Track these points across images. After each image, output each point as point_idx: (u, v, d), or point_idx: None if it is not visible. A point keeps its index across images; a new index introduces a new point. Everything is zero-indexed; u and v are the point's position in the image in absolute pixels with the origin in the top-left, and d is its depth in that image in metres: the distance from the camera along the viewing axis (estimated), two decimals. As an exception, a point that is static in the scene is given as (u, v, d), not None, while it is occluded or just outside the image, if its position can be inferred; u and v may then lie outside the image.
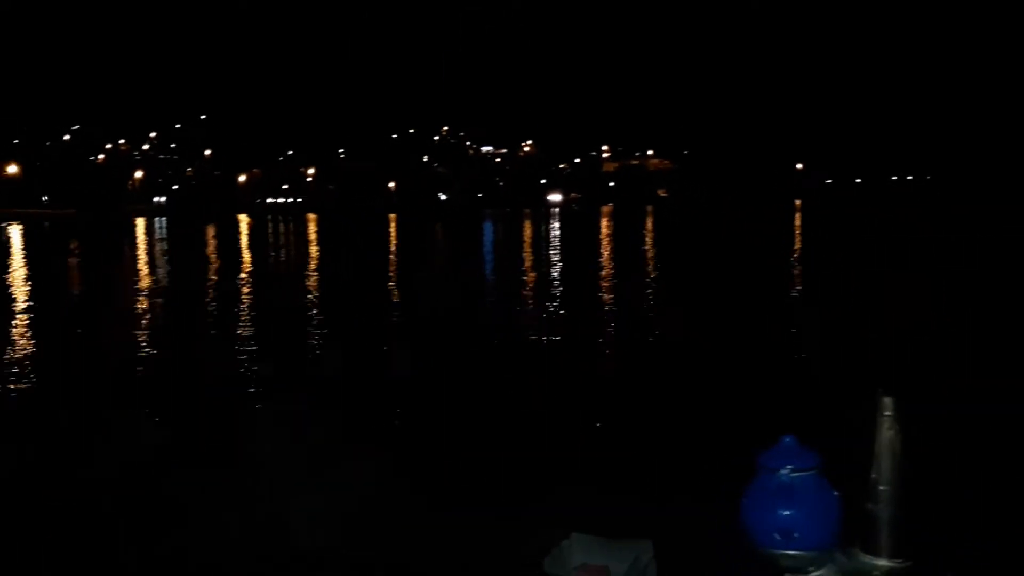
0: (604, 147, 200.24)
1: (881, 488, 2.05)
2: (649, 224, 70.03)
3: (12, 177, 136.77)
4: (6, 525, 5.88)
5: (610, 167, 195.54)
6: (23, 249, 46.70)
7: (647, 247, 43.33)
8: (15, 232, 66.27)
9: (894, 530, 2.07)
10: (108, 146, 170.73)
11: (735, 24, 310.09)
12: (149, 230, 71.97)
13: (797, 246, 40.98)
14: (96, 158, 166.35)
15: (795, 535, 2.09)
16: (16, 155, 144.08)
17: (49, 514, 5.98)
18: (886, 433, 2.05)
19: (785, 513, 2.11)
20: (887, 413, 2.04)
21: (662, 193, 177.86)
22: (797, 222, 65.50)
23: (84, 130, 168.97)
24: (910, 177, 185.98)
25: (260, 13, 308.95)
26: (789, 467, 2.14)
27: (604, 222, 76.04)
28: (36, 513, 5.99)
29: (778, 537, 2.12)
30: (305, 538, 5.30)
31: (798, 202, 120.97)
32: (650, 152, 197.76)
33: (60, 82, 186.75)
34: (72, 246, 47.12)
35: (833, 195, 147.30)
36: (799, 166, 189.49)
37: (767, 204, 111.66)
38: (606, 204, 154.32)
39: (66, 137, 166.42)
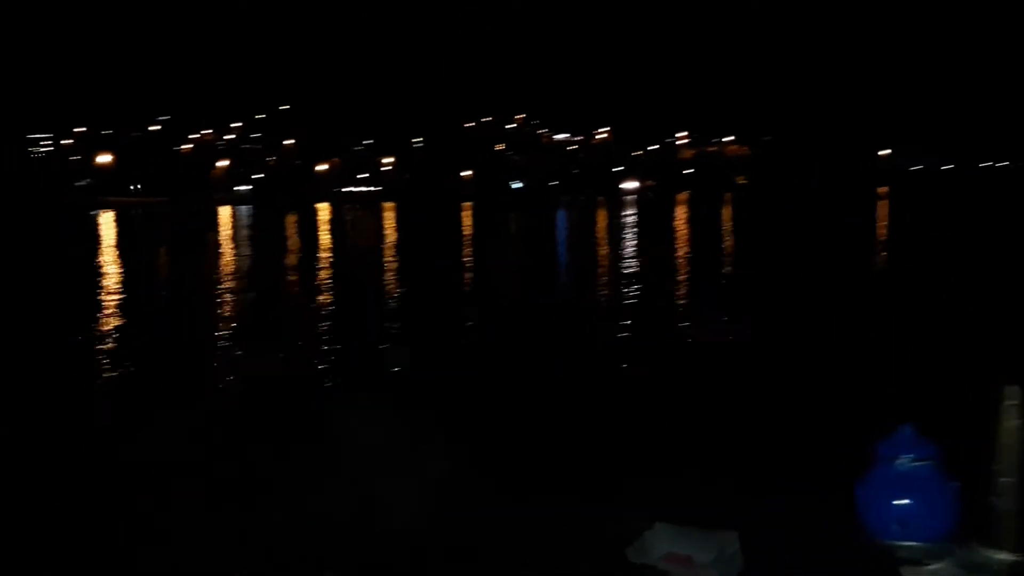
0: (681, 133, 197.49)
1: (1003, 480, 1.99)
2: (728, 213, 68.80)
3: (105, 166, 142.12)
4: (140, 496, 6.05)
5: (687, 154, 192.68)
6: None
7: (727, 236, 42.57)
8: (108, 218, 68.78)
9: (1016, 523, 2.00)
10: (194, 136, 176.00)
11: (819, 3, 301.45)
12: (237, 217, 73.89)
13: (886, 235, 39.72)
14: (183, 148, 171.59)
15: (913, 525, 2.05)
16: (108, 145, 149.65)
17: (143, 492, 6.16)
18: (1011, 424, 1.98)
19: (903, 503, 2.06)
20: (1012, 403, 1.97)
21: (741, 180, 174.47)
22: (883, 210, 63.52)
23: (172, 120, 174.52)
24: (1004, 164, 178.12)
25: (339, 3, 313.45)
26: (908, 457, 2.09)
27: (680, 210, 74.99)
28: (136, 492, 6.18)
29: (896, 527, 2.07)
30: (384, 520, 5.37)
31: (883, 189, 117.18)
32: (729, 138, 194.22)
33: (149, 74, 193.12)
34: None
35: (921, 182, 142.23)
36: (885, 152, 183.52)
37: (852, 191, 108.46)
38: (682, 192, 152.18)
39: (154, 127, 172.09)
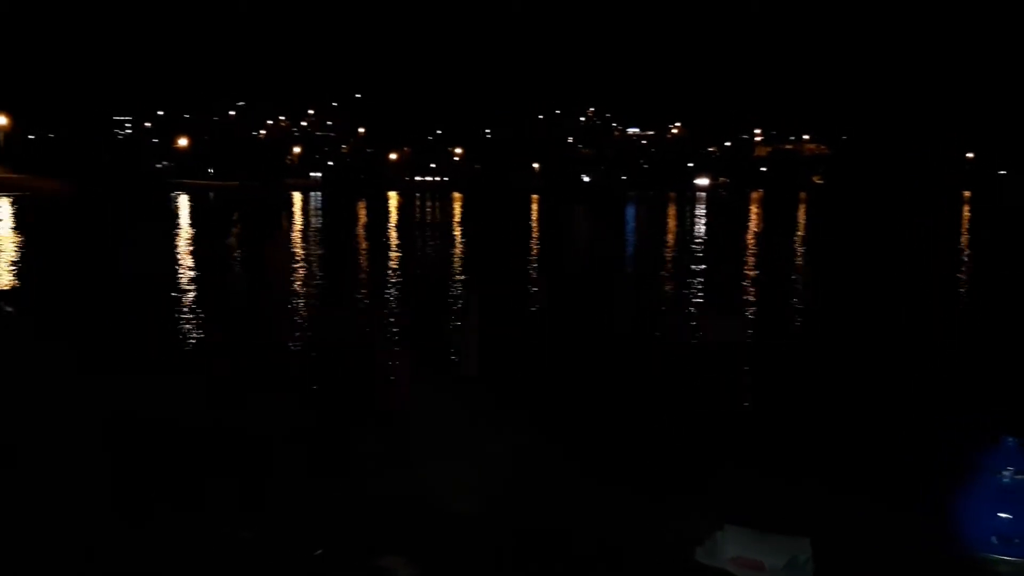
0: (756, 130, 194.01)
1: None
2: (803, 212, 67.31)
3: (182, 150, 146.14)
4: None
5: (762, 151, 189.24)
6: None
7: (802, 236, 41.64)
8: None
9: None
10: (269, 122, 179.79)
11: (906, 2, 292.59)
12: (308, 202, 75.20)
13: (968, 240, 38.36)
14: (258, 133, 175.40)
15: (1016, 541, 1.88)
16: (186, 129, 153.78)
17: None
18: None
19: (1005, 517, 1.89)
20: None
21: (817, 180, 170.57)
22: (966, 214, 61.36)
23: (248, 106, 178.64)
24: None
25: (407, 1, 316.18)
26: (1011, 469, 1.92)
27: (754, 208, 73.67)
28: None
29: (995, 541, 1.91)
30: (459, 502, 5.33)
31: (967, 193, 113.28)
32: (806, 136, 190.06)
33: (227, 60, 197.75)
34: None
35: (1007, 186, 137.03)
36: (970, 155, 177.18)
37: (934, 195, 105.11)
38: (756, 190, 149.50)
39: (231, 113, 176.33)
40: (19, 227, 34.74)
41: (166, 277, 19.05)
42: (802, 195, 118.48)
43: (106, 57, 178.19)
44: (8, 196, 59.20)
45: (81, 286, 17.13)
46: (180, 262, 23.15)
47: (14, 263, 21.13)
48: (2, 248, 24.87)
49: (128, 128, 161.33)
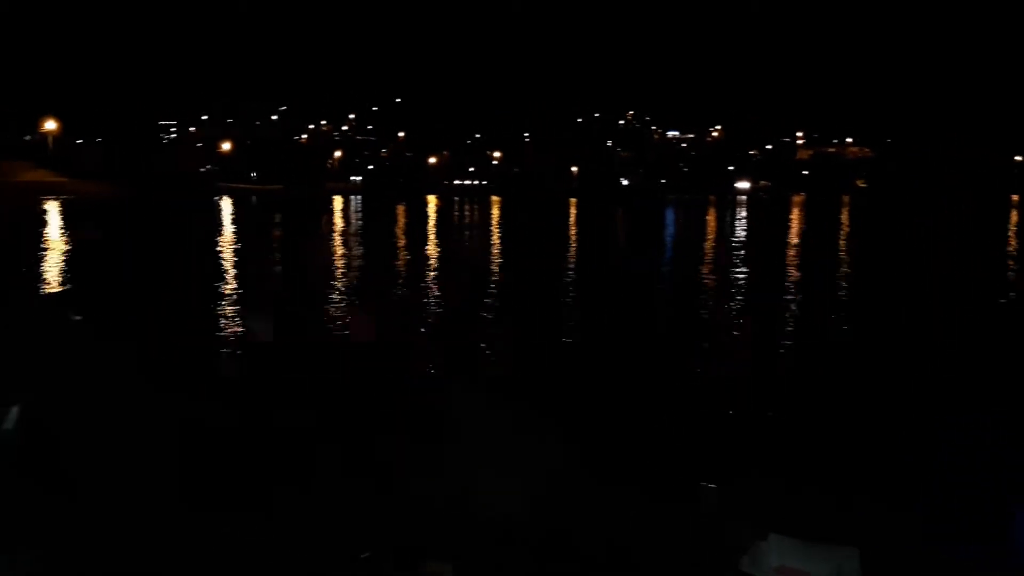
0: (798, 133, 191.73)
1: None
2: (846, 216, 66.34)
3: (226, 154, 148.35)
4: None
5: (804, 154, 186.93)
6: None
7: (846, 240, 41.01)
8: (227, 204, 71.61)
9: None
10: (311, 127, 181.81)
11: (950, 2, 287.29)
12: (348, 206, 75.83)
13: (1016, 246, 37.47)
14: (300, 138, 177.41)
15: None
16: (230, 133, 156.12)
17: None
18: None
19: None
20: None
21: (861, 183, 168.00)
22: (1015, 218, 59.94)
23: (290, 111, 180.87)
24: None
25: (451, 1, 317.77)
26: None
27: (795, 212, 72.77)
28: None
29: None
30: (495, 508, 5.30)
31: (1015, 197, 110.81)
32: (849, 139, 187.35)
33: (270, 66, 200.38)
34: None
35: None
36: (1019, 158, 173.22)
37: (980, 199, 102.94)
38: (798, 193, 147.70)
39: (274, 117, 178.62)
40: (67, 229, 35.45)
41: (218, 279, 19.31)
42: (845, 198, 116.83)
43: (152, 62, 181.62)
44: (56, 199, 60.51)
45: (133, 287, 17.37)
46: (229, 263, 23.43)
47: (66, 265, 21.52)
48: (52, 249, 25.38)
49: (173, 132, 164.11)
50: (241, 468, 5.72)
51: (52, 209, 49.39)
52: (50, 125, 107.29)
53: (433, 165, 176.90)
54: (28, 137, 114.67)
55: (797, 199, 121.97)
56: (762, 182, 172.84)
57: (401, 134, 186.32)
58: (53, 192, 69.39)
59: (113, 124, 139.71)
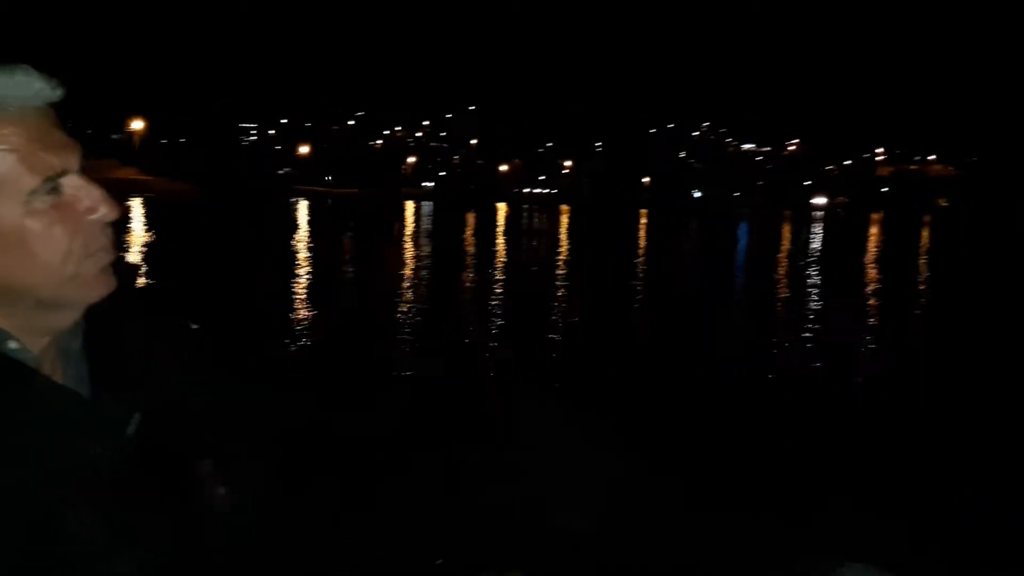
0: (878, 149, 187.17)
1: None
2: (927, 235, 64.35)
3: (303, 157, 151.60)
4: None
5: (884, 171, 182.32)
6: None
7: (926, 261, 39.72)
8: (303, 206, 73.06)
9: None
10: (386, 132, 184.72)
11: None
12: (420, 211, 76.70)
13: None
14: (375, 143, 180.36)
15: None
16: (307, 137, 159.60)
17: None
18: None
19: None
20: None
21: (942, 203, 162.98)
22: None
23: (367, 116, 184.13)
24: None
25: (527, 11, 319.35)
26: None
27: (874, 230, 70.91)
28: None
29: None
30: (561, 520, 5.19)
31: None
32: (931, 157, 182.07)
33: (348, 73, 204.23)
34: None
35: None
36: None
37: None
38: (876, 211, 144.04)
39: (350, 123, 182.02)
40: (152, 227, 36.56)
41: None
42: (926, 218, 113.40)
43: (235, 67, 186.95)
44: (140, 196, 62.58)
45: (231, 291, 17.61)
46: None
47: (161, 267, 21.88)
48: (143, 248, 26.14)
49: (253, 135, 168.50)
50: (321, 468, 5.73)
51: (136, 206, 51.10)
52: (137, 125, 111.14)
53: (504, 173, 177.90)
54: (116, 136, 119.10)
55: (875, 217, 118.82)
56: (839, 198, 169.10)
57: (473, 141, 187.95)
58: (138, 190, 71.74)
59: (196, 125, 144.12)
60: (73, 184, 1.07)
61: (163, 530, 1.08)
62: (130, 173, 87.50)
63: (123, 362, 1.14)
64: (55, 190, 1.05)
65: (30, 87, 1.02)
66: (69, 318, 1.09)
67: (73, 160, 1.05)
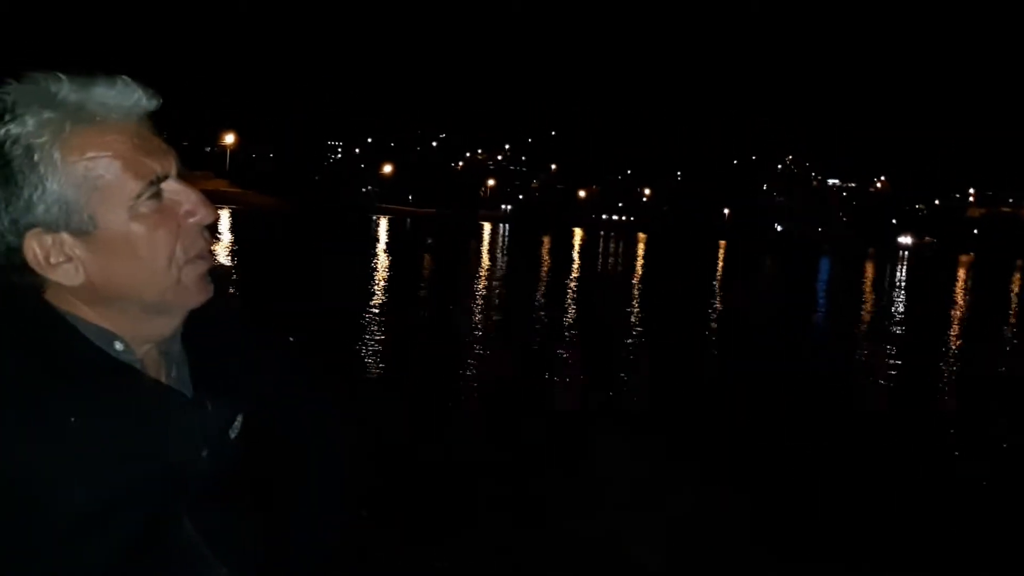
0: (970, 190, 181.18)
1: None
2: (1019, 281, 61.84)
3: (386, 176, 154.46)
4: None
5: (975, 212, 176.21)
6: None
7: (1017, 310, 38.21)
8: (384, 224, 74.34)
9: None
10: (468, 154, 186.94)
11: None
12: (497, 233, 77.23)
13: None
14: (456, 164, 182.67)
15: None
16: (391, 156, 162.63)
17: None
18: None
19: None
20: None
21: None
22: None
23: (449, 138, 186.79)
24: None
25: (612, 41, 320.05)
26: None
27: (962, 272, 68.53)
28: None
29: None
30: (636, 554, 5.24)
31: None
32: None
33: (433, 94, 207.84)
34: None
35: None
36: None
37: None
38: (966, 253, 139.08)
39: (433, 144, 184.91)
40: (241, 239, 37.69)
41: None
42: (1019, 262, 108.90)
43: (325, 85, 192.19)
44: (229, 208, 64.62)
45: (314, 303, 17.99)
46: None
47: (250, 276, 22.43)
48: (232, 255, 27.01)
49: (339, 153, 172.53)
50: (400, 496, 5.89)
51: (224, 217, 52.78)
52: (229, 139, 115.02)
53: (582, 198, 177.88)
54: (209, 149, 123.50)
55: (965, 259, 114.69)
56: (927, 238, 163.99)
57: (553, 166, 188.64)
58: (228, 202, 74.13)
59: (285, 141, 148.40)
60: (173, 188, 1.11)
61: (255, 537, 1.11)
62: (221, 185, 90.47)
63: (223, 367, 1.16)
64: (157, 195, 1.09)
65: (130, 96, 1.06)
66: (171, 324, 1.14)
67: (172, 165, 1.11)
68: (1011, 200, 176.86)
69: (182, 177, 1.11)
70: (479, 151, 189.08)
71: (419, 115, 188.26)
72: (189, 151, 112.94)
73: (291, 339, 1.27)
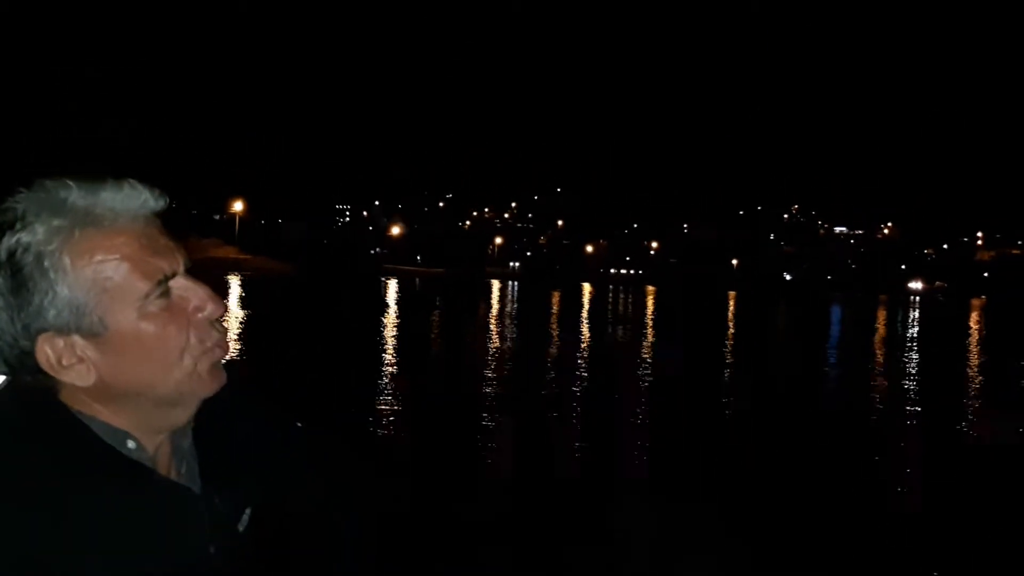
0: (978, 233, 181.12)
1: None
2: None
3: (394, 238, 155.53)
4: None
5: (984, 255, 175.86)
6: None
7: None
8: (393, 286, 74.61)
9: None
10: (475, 213, 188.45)
11: None
12: (506, 291, 77.40)
13: None
14: (464, 223, 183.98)
15: None
16: (399, 218, 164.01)
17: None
18: None
19: None
20: None
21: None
22: None
23: (455, 198, 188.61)
24: None
25: (610, 93, 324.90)
26: None
27: (975, 317, 68.15)
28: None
29: None
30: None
31: None
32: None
33: (439, 156, 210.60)
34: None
35: None
36: None
37: None
38: (977, 296, 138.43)
39: (440, 204, 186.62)
40: (251, 305, 37.83)
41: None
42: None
43: (331, 150, 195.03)
44: (239, 274, 65.04)
45: (325, 371, 17.91)
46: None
47: (258, 347, 22.34)
48: (241, 326, 27.06)
49: (347, 216, 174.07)
50: (420, 561, 5.78)
51: (235, 283, 53.08)
52: (237, 206, 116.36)
53: (590, 253, 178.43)
54: (217, 216, 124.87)
55: (976, 302, 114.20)
56: (937, 283, 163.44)
57: (560, 222, 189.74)
58: (238, 268, 74.69)
59: (293, 206, 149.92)
60: (181, 285, 1.13)
61: None
62: (231, 252, 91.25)
63: (232, 458, 1.17)
64: (165, 293, 1.11)
65: (137, 199, 1.10)
66: (185, 414, 1.16)
67: (180, 262, 1.13)
68: (1020, 242, 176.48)
69: (190, 272, 1.12)
70: (486, 209, 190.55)
71: (426, 176, 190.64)
72: (198, 219, 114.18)
73: (299, 424, 1.28)
